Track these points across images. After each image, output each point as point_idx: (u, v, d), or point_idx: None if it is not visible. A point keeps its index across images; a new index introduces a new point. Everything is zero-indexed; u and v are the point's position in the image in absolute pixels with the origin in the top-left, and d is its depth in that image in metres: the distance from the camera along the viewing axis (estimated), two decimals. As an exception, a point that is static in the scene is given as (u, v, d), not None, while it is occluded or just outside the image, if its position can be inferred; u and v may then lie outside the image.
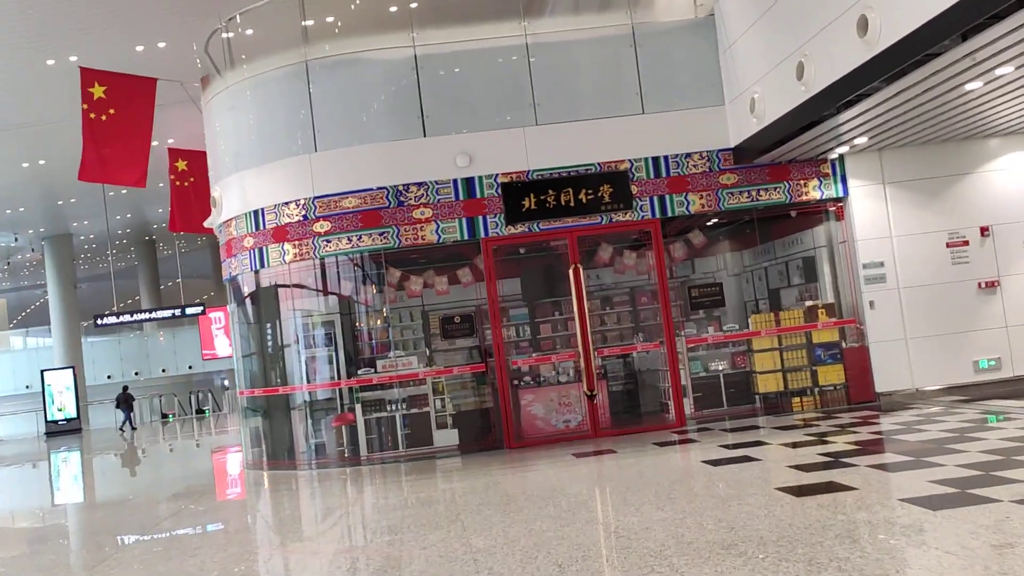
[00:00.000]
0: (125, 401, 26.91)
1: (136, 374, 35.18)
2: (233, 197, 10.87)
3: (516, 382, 10.51)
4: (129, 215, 29.41)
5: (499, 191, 10.18)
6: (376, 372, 10.36)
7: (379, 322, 11.57)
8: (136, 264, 38.84)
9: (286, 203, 10.30)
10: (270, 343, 11.23)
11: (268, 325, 11.20)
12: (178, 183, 16.28)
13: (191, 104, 13.34)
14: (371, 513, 7.44)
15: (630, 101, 10.35)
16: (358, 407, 10.32)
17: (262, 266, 10.58)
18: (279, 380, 11.04)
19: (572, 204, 10.24)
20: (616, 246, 11.24)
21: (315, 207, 10.17)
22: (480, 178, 10.18)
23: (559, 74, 10.47)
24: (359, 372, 10.50)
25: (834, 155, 10.32)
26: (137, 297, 39.53)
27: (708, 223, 11.33)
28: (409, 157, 10.16)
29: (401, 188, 10.09)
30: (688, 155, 10.36)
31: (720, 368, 10.79)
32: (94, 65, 12.96)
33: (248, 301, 11.34)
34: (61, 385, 28.39)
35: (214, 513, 8.57)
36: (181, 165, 16.33)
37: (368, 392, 10.35)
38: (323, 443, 10.85)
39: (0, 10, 13.56)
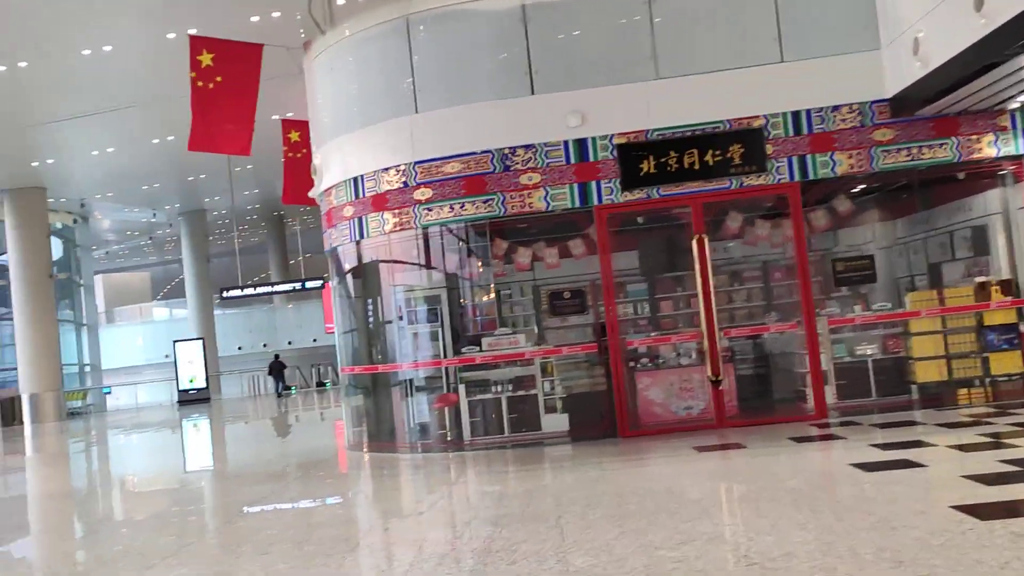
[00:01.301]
0: (277, 369, 28.01)
1: (264, 346, 36.04)
2: (333, 164, 10.29)
3: (632, 364, 9.53)
4: (257, 190, 29.90)
5: (614, 153, 9.16)
6: (480, 350, 9.59)
7: (484, 297, 10.78)
8: (266, 239, 39.82)
9: (385, 169, 9.61)
10: (370, 318, 10.64)
11: (368, 299, 10.61)
12: (291, 154, 16.04)
13: (303, 75, 12.95)
14: (462, 512, 6.67)
15: (766, 48, 9.10)
16: (461, 388, 9.59)
17: (362, 237, 9.95)
18: (380, 357, 10.45)
19: (697, 167, 9.12)
20: (747, 214, 10.05)
21: (416, 173, 9.44)
22: (593, 139, 9.19)
23: (683, 20, 9.33)
24: (463, 350, 9.75)
25: (1015, 104, 8.73)
26: (267, 272, 40.58)
27: (855, 188, 9.97)
28: (516, 117, 9.28)
29: (507, 151, 9.23)
30: (835, 108, 9.03)
31: (868, 353, 9.48)
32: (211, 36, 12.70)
33: (348, 274, 10.78)
34: (191, 355, 29.22)
35: (298, 500, 8.02)
36: (294, 136, 16.07)
37: (472, 372, 9.59)
38: (425, 425, 10.20)
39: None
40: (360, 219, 9.88)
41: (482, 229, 9.79)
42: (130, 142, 22.01)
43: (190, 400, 28.55)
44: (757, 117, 9.09)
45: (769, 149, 9.08)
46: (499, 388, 9.50)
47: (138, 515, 8.32)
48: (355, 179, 9.91)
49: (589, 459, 8.11)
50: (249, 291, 26.70)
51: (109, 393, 32.16)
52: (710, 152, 9.10)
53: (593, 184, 9.18)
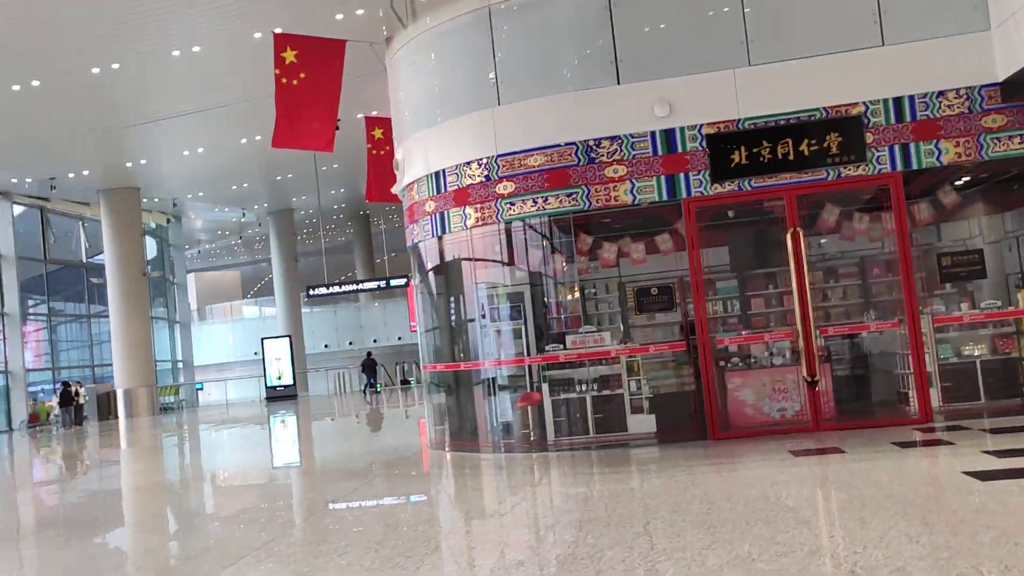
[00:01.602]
0: (370, 366, 28.37)
1: (350, 343, 36.52)
2: (414, 159, 10.20)
3: (722, 363, 9.17)
4: (343, 189, 30.25)
5: (704, 144, 8.82)
6: (564, 348, 9.35)
7: (569, 295, 10.53)
8: (352, 238, 40.38)
9: (467, 163, 9.47)
10: (453, 315, 10.51)
11: (450, 295, 10.48)
12: (374, 152, 16.04)
13: (386, 71, 12.95)
14: (546, 515, 6.45)
15: (866, 31, 8.62)
16: (545, 387, 9.38)
17: (443, 232, 9.84)
18: (462, 355, 10.31)
19: (791, 157, 8.71)
20: (844, 207, 9.55)
21: (498, 166, 9.26)
22: (681, 129, 8.86)
23: (777, 4, 8.96)
24: (546, 348, 9.54)
25: None
26: (353, 271, 41.15)
27: (961, 178, 9.38)
28: (600, 108, 9.02)
29: (591, 143, 8.97)
30: (940, 93, 8.49)
31: (976, 353, 8.90)
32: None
33: (430, 270, 10.68)
34: (278, 353, 29.77)
35: (379, 499, 7.93)
36: (377, 133, 16.08)
37: (556, 371, 9.38)
38: (508, 424, 10.02)
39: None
40: (442, 214, 9.76)
41: (566, 224, 9.55)
42: (219, 142, 22.48)
43: (277, 397, 29.10)
44: (856, 104, 8.62)
45: (869, 138, 8.59)
46: (584, 387, 9.26)
47: (223, 511, 8.37)
48: (436, 174, 9.80)
49: (677, 462, 7.80)
50: (335, 289, 27.03)
51: (201, 389, 33.08)
52: (805, 141, 8.68)
53: (681, 176, 8.85)
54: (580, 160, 8.98)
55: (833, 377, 9.32)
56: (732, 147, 8.77)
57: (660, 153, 8.87)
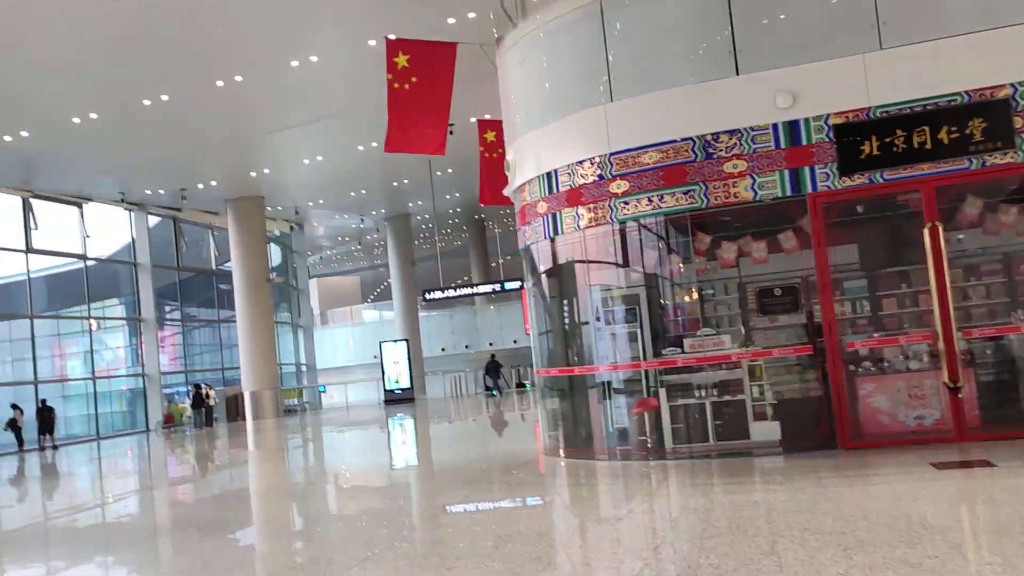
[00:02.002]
0: (494, 368, 28.55)
1: (466, 347, 36.76)
2: (526, 160, 10.02)
3: (852, 367, 8.61)
4: (458, 194, 30.51)
5: (831, 135, 8.29)
6: (682, 352, 8.97)
7: (686, 297, 10.13)
8: (467, 242, 40.75)
9: (580, 162, 9.22)
10: (566, 318, 10.27)
11: (563, 298, 10.25)
12: (487, 154, 15.99)
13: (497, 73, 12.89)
14: (664, 529, 6.13)
15: (1013, 4, 7.91)
16: (662, 392, 9.03)
17: (556, 233, 9.62)
18: (576, 359, 10.06)
19: (928, 146, 8.08)
20: (987, 199, 8.81)
21: (611, 165, 8.98)
22: (806, 120, 8.36)
23: (911, -18, 8.32)
24: (663, 352, 9.18)
25: None
26: (469, 276, 41.48)
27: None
28: (719, 100, 8.61)
29: (709, 138, 8.57)
30: (1101, 71, 7.71)
31: None
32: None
33: (542, 272, 10.47)
34: (396, 356, 30.21)
35: (490, 508, 7.76)
36: (490, 136, 16.03)
37: (673, 375, 9.01)
38: (624, 430, 9.70)
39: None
40: (554, 215, 9.55)
41: (682, 223, 9.18)
42: (337, 150, 23.00)
43: (395, 400, 29.54)
44: (1002, 86, 7.92)
45: (1017, 122, 7.88)
46: (703, 393, 8.87)
47: (335, 517, 8.38)
48: (548, 174, 9.59)
49: (805, 473, 7.33)
50: (449, 292, 27.26)
51: (324, 392, 33.97)
52: (944, 129, 8.03)
53: (806, 170, 8.35)
54: (697, 156, 8.59)
55: (977, 383, 8.61)
56: (862, 137, 8.20)
57: (783, 146, 8.39)
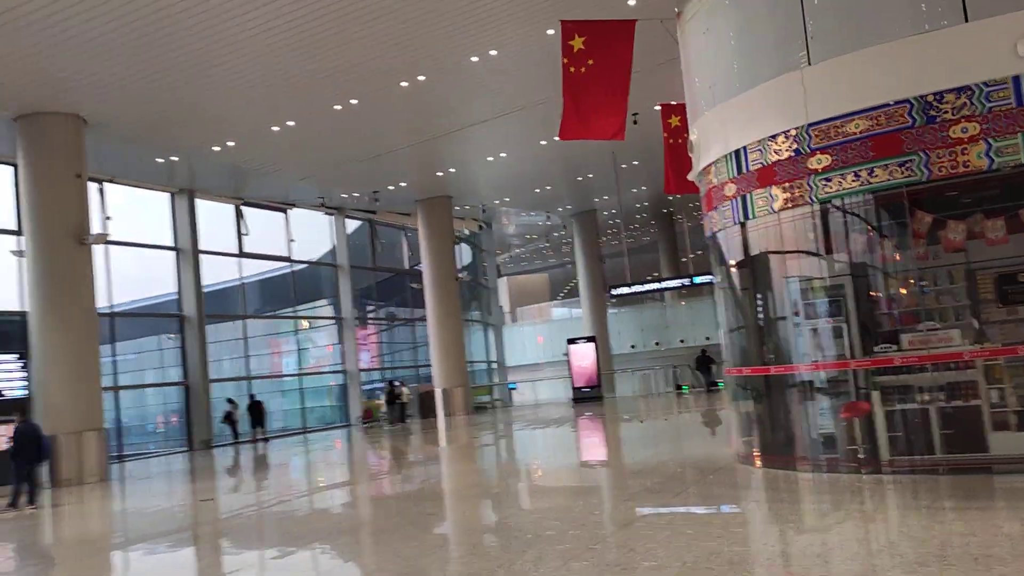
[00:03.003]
0: (704, 363, 27.59)
1: (656, 344, 35.68)
2: (711, 138, 9.11)
3: (1124, 369, 7.07)
4: (644, 188, 29.60)
5: (1090, 86, 6.83)
6: (899, 350, 7.75)
7: (902, 286, 8.81)
8: (656, 237, 39.64)
9: (772, 137, 8.20)
10: (759, 312, 9.23)
11: (756, 290, 9.22)
12: (671, 140, 15.09)
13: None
14: (885, 562, 5.09)
15: None
16: (875, 395, 7.85)
17: (746, 217, 8.64)
18: (772, 358, 9.00)
19: None
20: None
21: (809, 137, 7.90)
22: (1055, 70, 6.94)
23: None
24: (875, 350, 7.98)
25: None
26: (657, 271, 40.35)
27: None
28: (941, 54, 7.34)
29: (931, 98, 7.32)
30: None
31: None
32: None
33: (731, 262, 9.48)
34: (581, 356, 29.71)
35: (675, 525, 6.94)
36: (674, 121, 15.10)
37: (889, 376, 7.81)
38: (830, 437, 8.55)
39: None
40: (744, 197, 8.57)
41: (897, 200, 7.91)
42: (519, 145, 22.72)
43: (583, 398, 29.03)
44: None
45: None
46: (927, 397, 7.61)
47: (511, 521, 7.85)
48: (736, 152, 8.63)
49: (1064, 497, 6.01)
50: (636, 288, 26.39)
51: (515, 389, 34.02)
52: None
53: (1057, 130, 6.93)
54: (915, 120, 7.36)
55: None
56: None
57: (1025, 103, 7.02)
